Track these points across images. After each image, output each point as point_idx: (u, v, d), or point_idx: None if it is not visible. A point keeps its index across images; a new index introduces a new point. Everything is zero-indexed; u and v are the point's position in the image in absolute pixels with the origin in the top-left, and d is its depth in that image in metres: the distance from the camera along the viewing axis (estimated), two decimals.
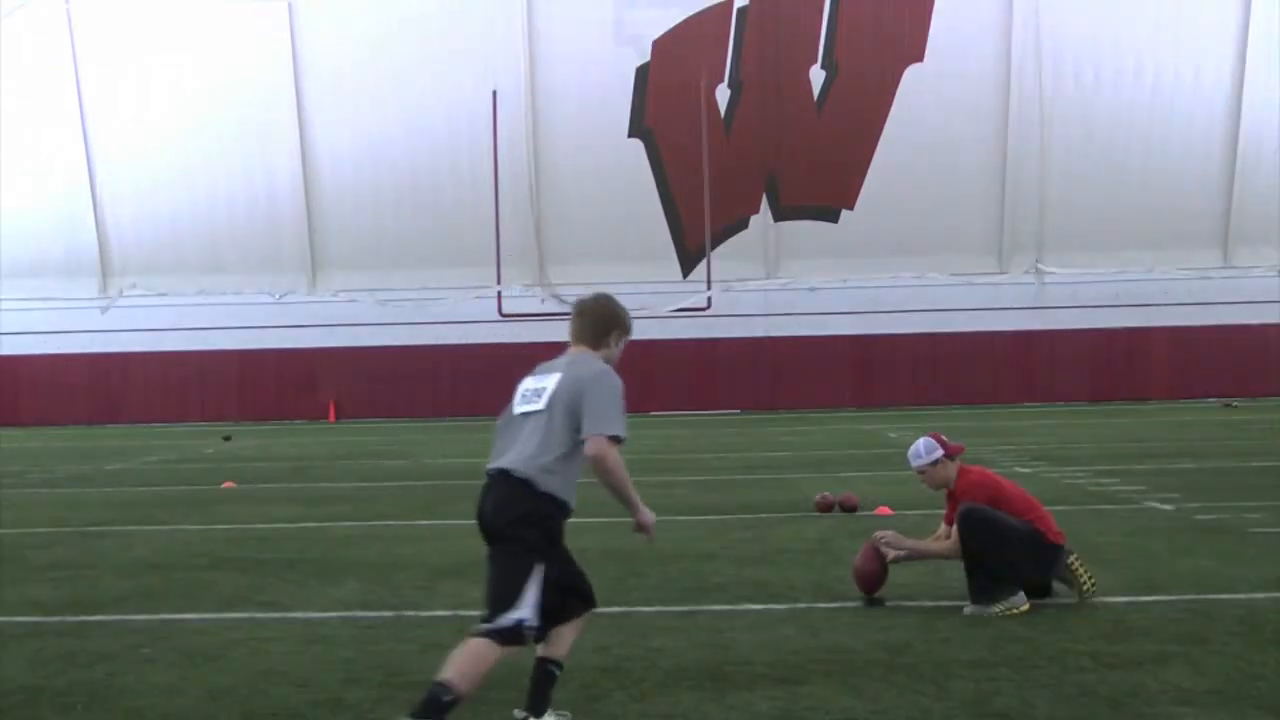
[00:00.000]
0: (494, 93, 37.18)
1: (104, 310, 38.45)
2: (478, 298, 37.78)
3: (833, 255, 37.97)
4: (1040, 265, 38.13)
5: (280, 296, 38.66)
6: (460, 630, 7.17)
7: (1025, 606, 7.35)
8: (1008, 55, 37.75)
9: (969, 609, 7.39)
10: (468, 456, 21.46)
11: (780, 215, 38.58)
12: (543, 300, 38.08)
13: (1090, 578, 7.69)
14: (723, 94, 38.15)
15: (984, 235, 38.60)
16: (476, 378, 38.34)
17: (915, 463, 7.74)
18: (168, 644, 7.08)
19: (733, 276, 37.72)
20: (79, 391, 39.29)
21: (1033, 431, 25.07)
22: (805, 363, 38.03)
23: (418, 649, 6.85)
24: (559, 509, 5.20)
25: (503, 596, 5.05)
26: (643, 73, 37.94)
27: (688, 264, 38.83)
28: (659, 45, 37.88)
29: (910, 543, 7.88)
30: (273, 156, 38.69)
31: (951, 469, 7.73)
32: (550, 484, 5.13)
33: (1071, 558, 7.64)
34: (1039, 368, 38.41)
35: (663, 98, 37.92)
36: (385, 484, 16.68)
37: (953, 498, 7.70)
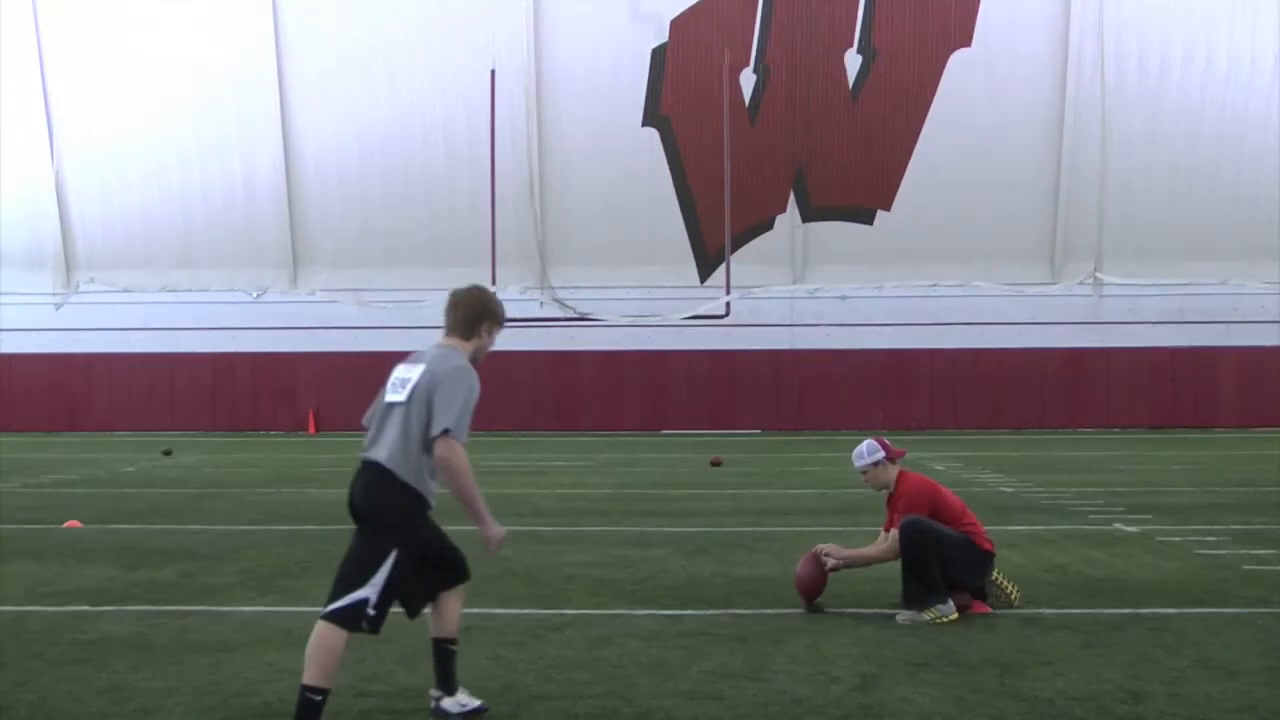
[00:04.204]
0: (492, 72, 33.91)
1: (58, 306, 35.36)
2: None
3: (866, 261, 35.67)
4: (1098, 275, 35.57)
5: (257, 295, 35.95)
6: None
7: (954, 615, 7.75)
8: (1065, 39, 34.94)
9: (901, 616, 7.77)
10: None
11: (809, 216, 36.12)
12: (542, 305, 35.09)
13: (1016, 589, 8.16)
14: (747, 80, 35.57)
15: (1035, 240, 35.93)
16: None
17: (858, 463, 8.22)
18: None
19: (755, 282, 34.94)
20: (36, 395, 36.55)
21: (1107, 466, 21.18)
22: (833, 379, 35.36)
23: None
24: (418, 500, 5.40)
25: (353, 575, 5.31)
26: (659, 55, 35.33)
27: (706, 267, 36.16)
28: (677, 25, 35.33)
29: (849, 552, 8.30)
30: (252, 142, 36.29)
31: (892, 472, 8.22)
32: (408, 475, 5.37)
33: (996, 573, 8.12)
34: (1093, 389, 35.70)
35: (681, 83, 35.26)
36: (272, 529, 13.00)
37: (892, 502, 8.16)
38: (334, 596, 5.31)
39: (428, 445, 5.35)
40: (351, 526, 5.51)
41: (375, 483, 5.36)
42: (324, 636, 5.25)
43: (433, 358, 5.55)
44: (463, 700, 5.75)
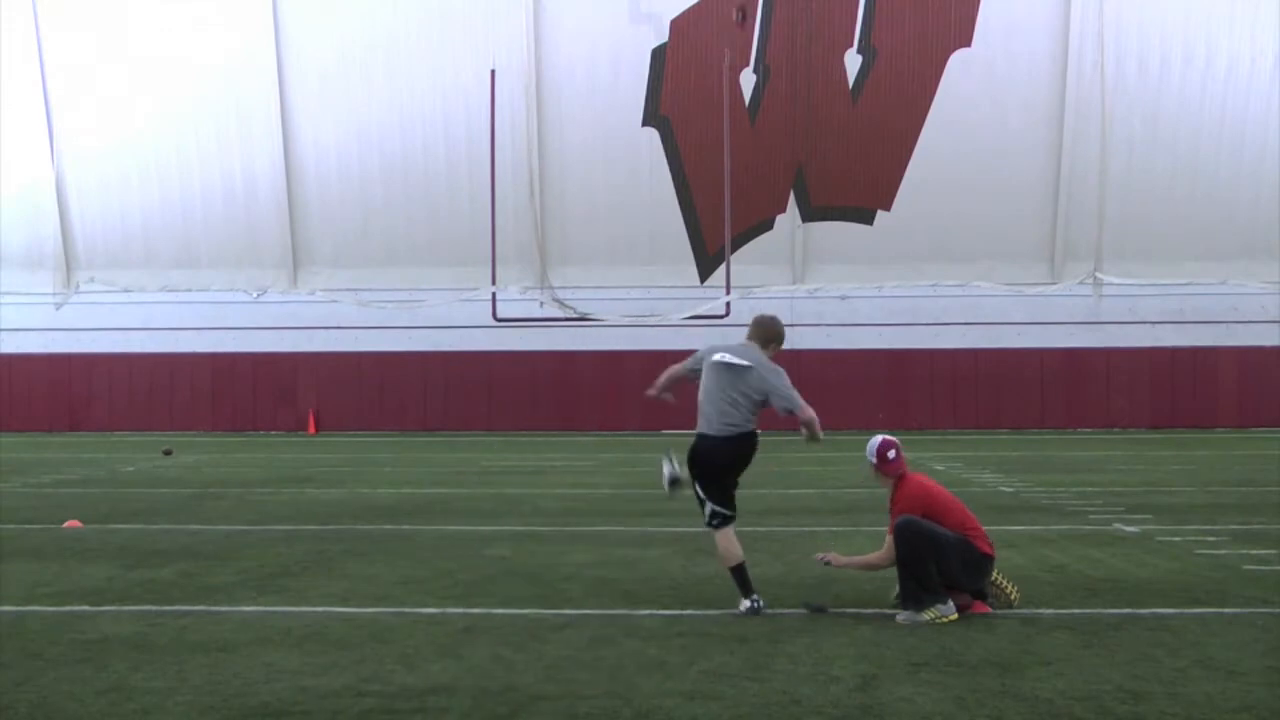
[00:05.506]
0: (492, 72, 33.79)
1: (58, 306, 35.18)
2: (465, 300, 34.39)
3: (866, 261, 35.37)
4: (1098, 275, 35.20)
5: (257, 295, 35.58)
6: None
7: (954, 615, 7.76)
8: (1065, 39, 34.58)
9: (901, 616, 7.80)
10: (417, 485, 17.89)
11: (809, 215, 35.80)
12: (542, 305, 34.85)
13: (1015, 590, 8.21)
14: (747, 80, 35.20)
15: (1035, 240, 35.55)
16: (470, 388, 35.71)
17: (867, 454, 8.28)
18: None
19: (755, 282, 34.73)
20: (36, 395, 36.34)
21: (1107, 466, 21.10)
22: (833, 379, 34.85)
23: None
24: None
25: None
26: (659, 55, 34.99)
27: (706, 267, 35.93)
28: (677, 25, 35.01)
29: (847, 559, 8.53)
30: (252, 142, 35.97)
31: (885, 480, 8.27)
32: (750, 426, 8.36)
33: (995, 574, 8.15)
34: (1093, 389, 35.41)
35: (681, 83, 34.93)
36: (272, 528, 12.93)
37: (891, 506, 8.19)
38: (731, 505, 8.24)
39: (756, 410, 8.18)
40: None
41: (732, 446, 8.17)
42: (729, 534, 8.15)
43: (755, 357, 8.21)
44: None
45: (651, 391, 8.78)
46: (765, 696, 5.98)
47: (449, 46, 34.88)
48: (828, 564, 8.37)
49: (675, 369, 8.66)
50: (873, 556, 8.31)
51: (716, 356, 8.22)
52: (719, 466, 8.17)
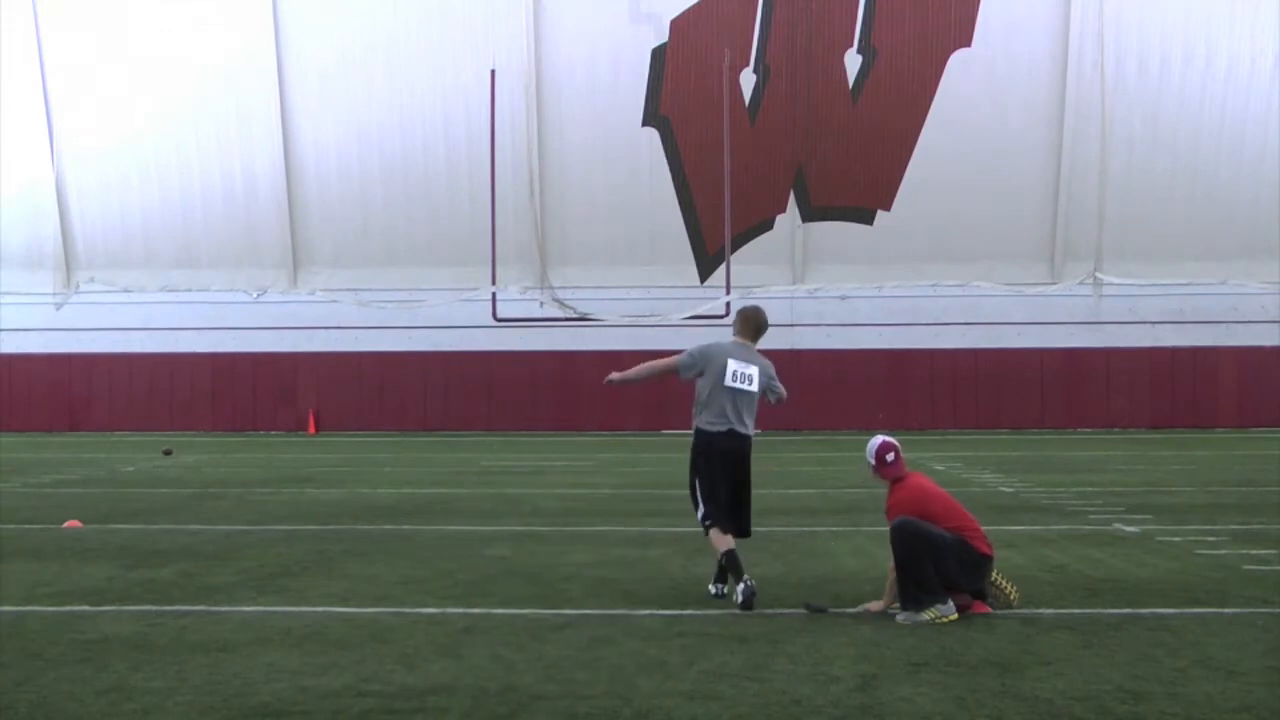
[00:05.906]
0: (492, 72, 33.77)
1: (58, 306, 35.17)
2: (465, 300, 34.37)
3: (866, 261, 35.29)
4: (1098, 275, 35.12)
5: (257, 295, 35.53)
6: None
7: (954, 615, 7.74)
8: (1065, 39, 34.54)
9: (901, 616, 7.76)
10: (417, 485, 17.89)
11: (809, 215, 35.74)
12: (542, 305, 34.83)
13: (1015, 590, 8.19)
14: (747, 80, 35.16)
15: (1035, 240, 35.49)
16: (470, 388, 35.67)
17: (866, 455, 8.35)
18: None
19: (755, 282, 34.70)
20: (36, 395, 36.31)
21: (1107, 466, 21.10)
22: (834, 379, 35.06)
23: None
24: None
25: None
26: (659, 55, 34.95)
27: (706, 267, 35.88)
28: (677, 25, 34.98)
29: (888, 596, 8.12)
30: (252, 142, 35.97)
31: (883, 481, 8.33)
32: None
33: (995, 574, 8.13)
34: (1093, 389, 35.36)
35: (681, 83, 34.88)
36: (272, 528, 12.91)
37: (887, 509, 8.18)
38: (748, 520, 8.75)
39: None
40: None
41: (747, 445, 8.67)
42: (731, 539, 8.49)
43: (758, 360, 8.73)
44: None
45: (615, 376, 8.83)
46: (765, 696, 5.98)
47: (449, 46, 34.85)
48: (870, 612, 8.03)
49: (655, 365, 8.83)
50: (890, 577, 8.07)
51: (730, 381, 8.58)
52: (743, 465, 8.70)
